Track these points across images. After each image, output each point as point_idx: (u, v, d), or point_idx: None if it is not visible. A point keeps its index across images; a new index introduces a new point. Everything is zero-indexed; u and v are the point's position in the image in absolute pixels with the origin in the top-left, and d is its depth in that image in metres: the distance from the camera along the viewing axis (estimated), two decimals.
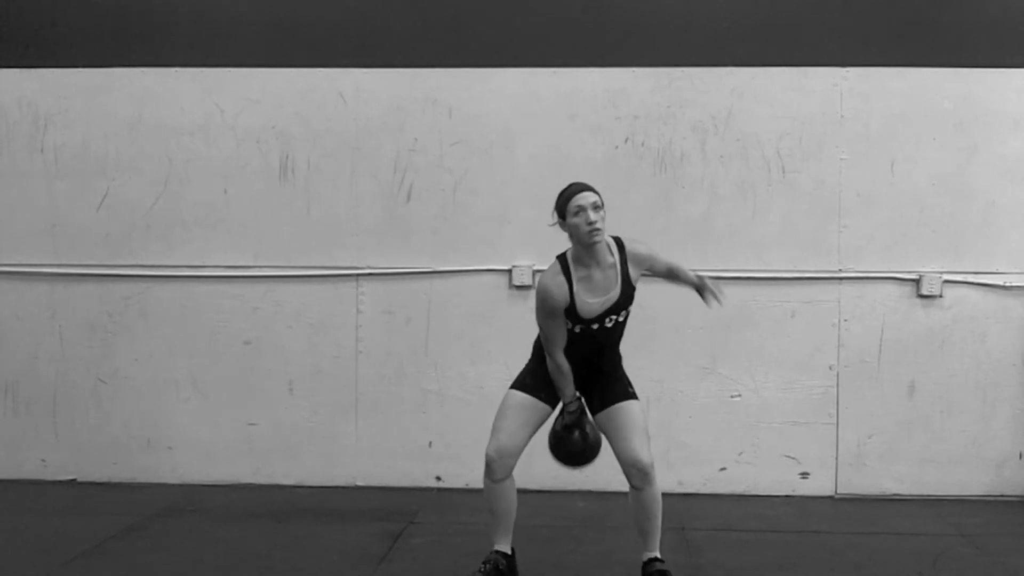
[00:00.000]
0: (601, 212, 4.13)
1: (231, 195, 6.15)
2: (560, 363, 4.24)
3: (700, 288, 4.34)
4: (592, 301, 4.21)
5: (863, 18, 6.00)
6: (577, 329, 4.23)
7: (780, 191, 6.01)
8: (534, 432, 4.33)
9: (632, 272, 4.26)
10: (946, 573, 4.69)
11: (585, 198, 4.12)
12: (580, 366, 4.30)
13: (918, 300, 5.99)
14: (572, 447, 4.32)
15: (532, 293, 5.91)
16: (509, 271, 6.05)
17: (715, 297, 4.30)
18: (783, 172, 6.01)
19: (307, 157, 6.13)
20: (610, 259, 4.23)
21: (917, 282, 5.97)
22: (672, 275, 4.41)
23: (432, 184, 6.09)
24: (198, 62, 6.15)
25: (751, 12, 6.04)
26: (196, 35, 6.17)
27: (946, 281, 5.96)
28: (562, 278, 4.20)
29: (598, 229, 4.11)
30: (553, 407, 4.36)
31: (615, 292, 4.23)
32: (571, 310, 4.18)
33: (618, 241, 4.29)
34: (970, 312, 5.97)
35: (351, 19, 6.13)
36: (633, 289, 4.28)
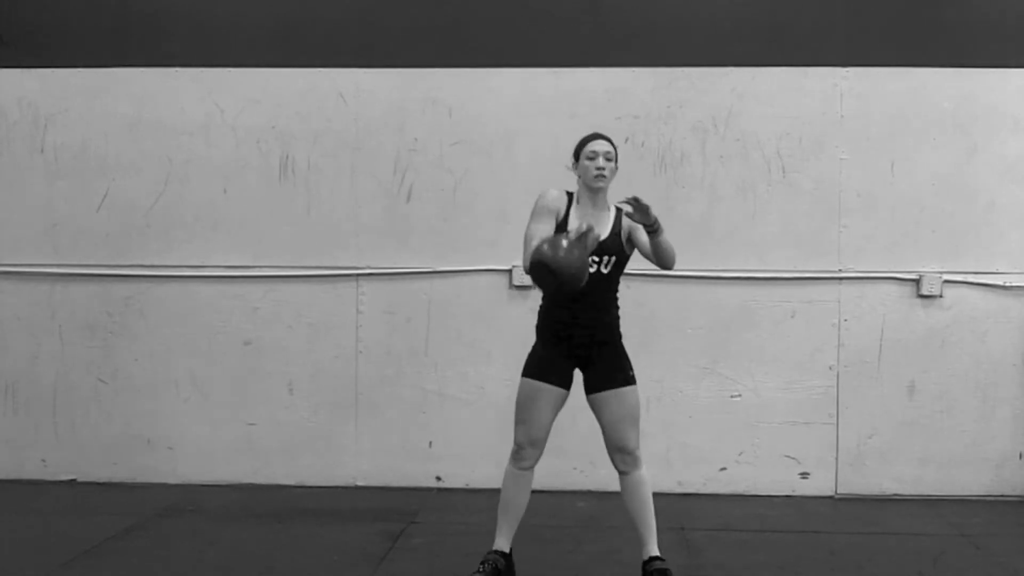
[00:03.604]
0: (612, 164, 4.33)
1: (231, 195, 6.15)
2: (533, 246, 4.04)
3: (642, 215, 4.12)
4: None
5: (863, 18, 6.00)
6: None
7: (780, 191, 6.01)
8: (555, 417, 4.37)
9: (623, 226, 4.34)
10: (946, 573, 4.69)
11: (600, 145, 4.34)
12: (571, 328, 4.29)
13: (918, 300, 5.99)
14: (538, 254, 3.95)
15: (532, 293, 5.96)
16: (509, 271, 6.05)
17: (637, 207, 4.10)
18: (783, 172, 6.01)
19: (307, 157, 6.14)
20: (608, 212, 4.38)
21: (917, 282, 5.97)
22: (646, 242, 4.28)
23: (432, 184, 6.09)
24: (198, 62, 6.15)
25: (751, 12, 6.04)
26: (196, 35, 6.17)
27: (946, 281, 5.96)
28: (565, 197, 4.37)
29: (604, 176, 4.30)
30: (566, 389, 4.36)
31: (604, 233, 4.30)
32: (563, 226, 4.28)
33: (618, 208, 4.37)
34: (970, 312, 5.97)
35: (351, 19, 6.14)
36: (622, 244, 4.34)
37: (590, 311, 4.33)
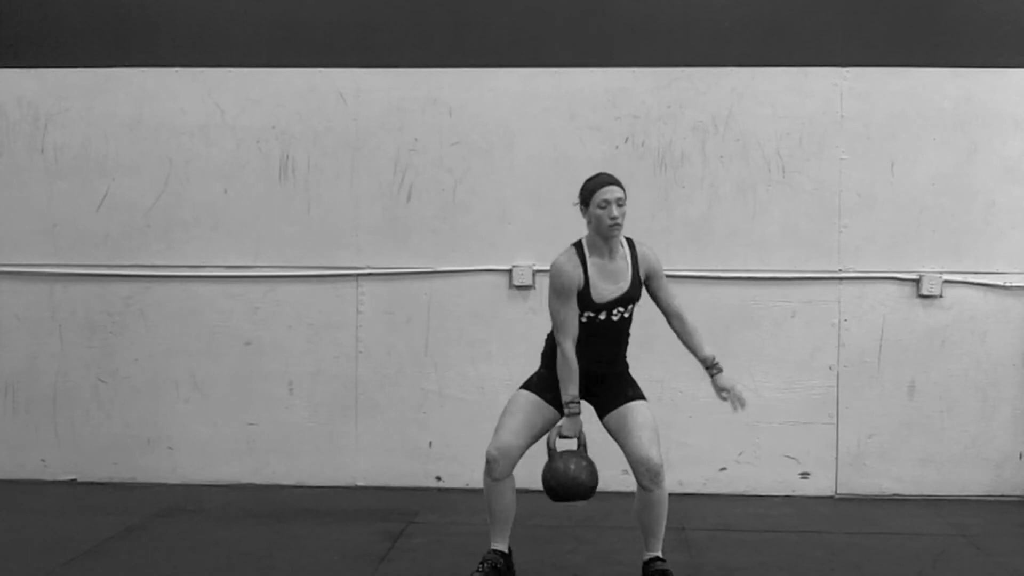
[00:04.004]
0: (624, 208, 4.27)
1: (231, 195, 6.15)
2: (569, 354, 4.24)
3: (708, 367, 4.47)
4: (604, 287, 4.28)
5: (863, 18, 6.01)
6: (585, 319, 4.27)
7: (780, 191, 6.01)
8: (539, 434, 4.33)
9: (641, 269, 4.36)
10: (946, 573, 4.69)
11: (612, 192, 4.24)
12: (589, 365, 4.30)
13: (918, 300, 5.99)
14: (553, 475, 4.19)
15: (532, 293, 5.97)
16: (509, 271, 6.05)
17: (736, 400, 4.42)
18: (783, 172, 6.01)
19: (307, 157, 6.14)
20: (622, 251, 4.35)
21: (917, 282, 5.97)
22: (668, 312, 4.49)
23: (432, 184, 6.09)
24: (198, 62, 6.15)
25: (751, 12, 6.04)
26: (196, 35, 6.17)
27: (946, 281, 5.96)
28: (577, 260, 4.29)
29: (619, 225, 4.25)
30: (559, 412, 4.34)
31: (625, 283, 4.31)
32: (584, 294, 4.25)
33: (629, 240, 4.39)
34: (970, 312, 5.97)
35: (351, 19, 6.14)
36: (641, 285, 4.37)
37: (612, 347, 4.38)
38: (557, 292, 4.25)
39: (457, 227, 6.08)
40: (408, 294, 6.11)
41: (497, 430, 4.31)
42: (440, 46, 6.11)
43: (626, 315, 4.34)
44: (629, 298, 4.32)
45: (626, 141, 6.01)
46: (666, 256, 5.92)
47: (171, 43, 6.17)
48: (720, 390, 4.40)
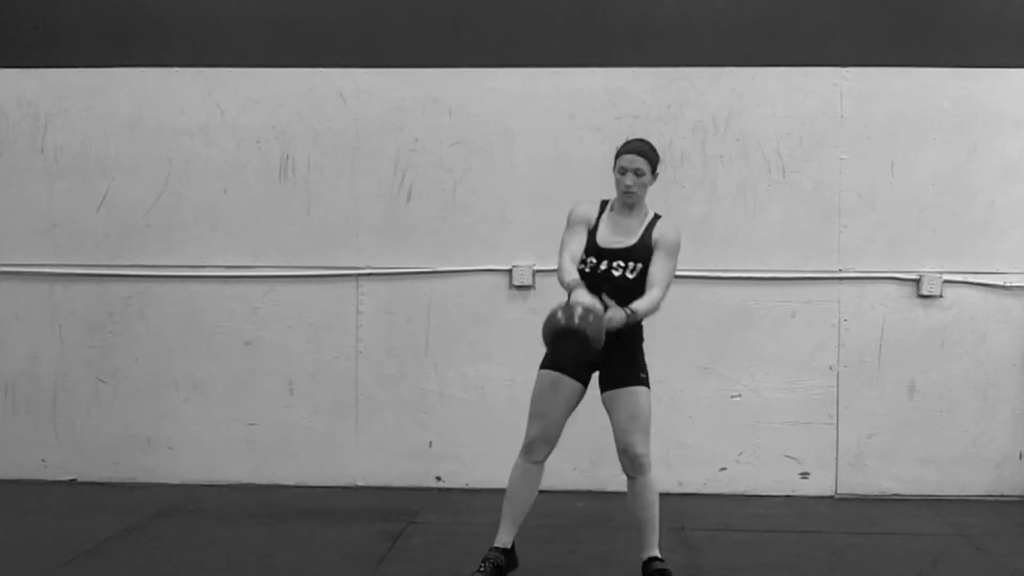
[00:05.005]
0: (644, 178, 4.33)
1: (231, 195, 6.15)
2: (565, 265, 4.29)
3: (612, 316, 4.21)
4: (609, 235, 4.35)
5: (863, 18, 6.01)
6: (588, 267, 4.31)
7: (780, 191, 6.01)
8: (570, 410, 4.37)
9: (654, 234, 4.37)
10: (946, 573, 4.69)
11: (630, 161, 4.34)
12: None
13: (918, 300, 5.99)
14: (552, 323, 4.05)
15: (532, 293, 6.00)
16: (509, 271, 6.05)
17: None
18: (783, 172, 6.01)
19: (307, 157, 6.13)
20: (641, 216, 4.41)
21: (917, 282, 5.97)
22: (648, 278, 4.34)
23: (432, 184, 6.09)
24: (198, 62, 6.15)
25: (751, 12, 6.04)
26: (196, 35, 6.17)
27: (946, 281, 5.96)
28: (596, 208, 4.43)
29: (632, 193, 4.33)
30: (582, 384, 4.35)
31: (631, 240, 4.35)
32: (591, 233, 4.35)
33: (656, 216, 4.44)
34: (970, 312, 5.97)
35: (351, 19, 6.14)
36: (649, 250, 4.35)
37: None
38: (569, 221, 4.41)
39: (457, 227, 6.08)
40: (408, 294, 6.11)
41: (534, 416, 4.35)
42: (440, 46, 6.11)
43: (628, 275, 4.31)
44: (631, 254, 4.32)
45: None
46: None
47: (171, 43, 6.17)
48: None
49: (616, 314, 4.15)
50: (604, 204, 4.45)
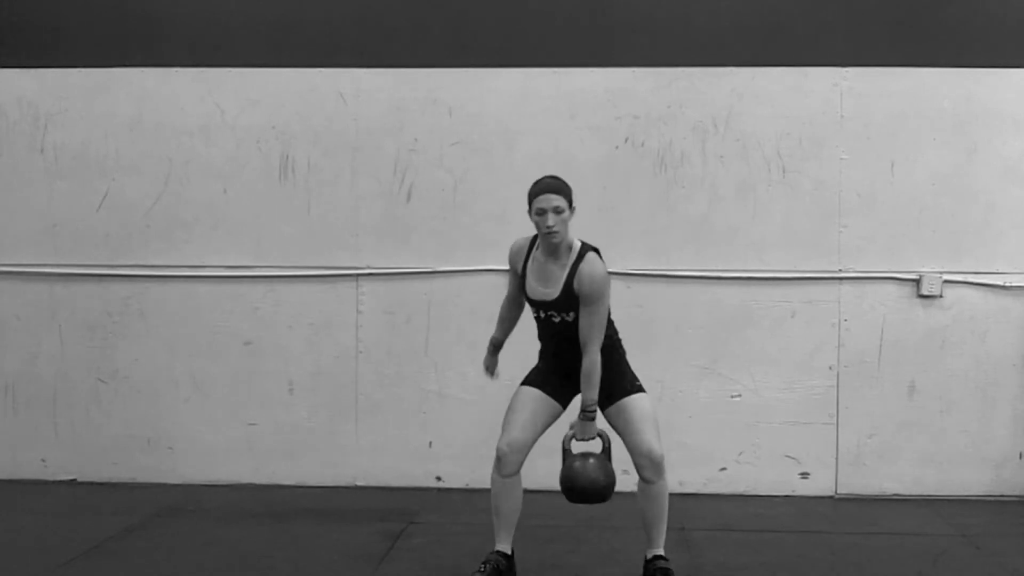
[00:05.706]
0: (564, 215, 4.17)
1: (231, 195, 6.15)
2: (504, 311, 4.58)
3: (584, 409, 4.26)
4: (536, 286, 4.30)
5: (863, 18, 6.01)
6: (533, 313, 4.37)
7: (780, 191, 6.01)
8: (544, 428, 4.36)
9: (575, 284, 4.22)
10: (946, 573, 4.69)
11: (547, 201, 4.16)
12: (557, 361, 4.35)
13: (918, 300, 5.99)
14: (569, 474, 4.25)
15: None
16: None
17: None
18: (783, 172, 6.01)
19: (307, 157, 6.13)
20: (564, 260, 4.26)
21: (917, 282, 5.97)
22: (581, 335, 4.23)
23: (432, 184, 6.09)
24: (198, 62, 6.15)
25: (751, 12, 6.04)
26: (196, 35, 6.17)
27: (946, 281, 5.96)
28: (526, 248, 4.38)
29: (555, 232, 4.17)
30: (563, 405, 4.37)
31: (555, 290, 4.25)
32: (522, 281, 4.36)
33: (583, 251, 4.26)
34: (970, 312, 5.97)
35: (351, 19, 6.13)
36: (575, 299, 4.21)
37: (570, 349, 4.27)
38: (509, 263, 4.44)
39: (457, 227, 6.08)
40: (408, 294, 6.11)
41: (505, 427, 4.33)
42: (440, 46, 6.11)
43: (567, 319, 4.25)
44: (558, 305, 4.24)
45: (626, 141, 6.01)
46: (666, 256, 5.98)
47: (171, 43, 6.17)
48: (575, 433, 4.31)
49: (588, 428, 4.26)
50: (532, 242, 4.33)
